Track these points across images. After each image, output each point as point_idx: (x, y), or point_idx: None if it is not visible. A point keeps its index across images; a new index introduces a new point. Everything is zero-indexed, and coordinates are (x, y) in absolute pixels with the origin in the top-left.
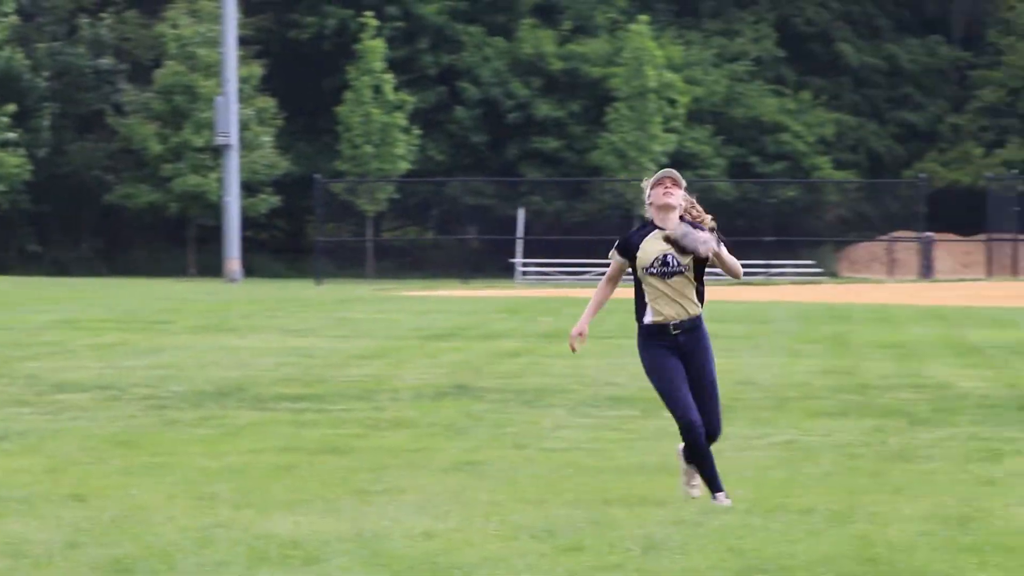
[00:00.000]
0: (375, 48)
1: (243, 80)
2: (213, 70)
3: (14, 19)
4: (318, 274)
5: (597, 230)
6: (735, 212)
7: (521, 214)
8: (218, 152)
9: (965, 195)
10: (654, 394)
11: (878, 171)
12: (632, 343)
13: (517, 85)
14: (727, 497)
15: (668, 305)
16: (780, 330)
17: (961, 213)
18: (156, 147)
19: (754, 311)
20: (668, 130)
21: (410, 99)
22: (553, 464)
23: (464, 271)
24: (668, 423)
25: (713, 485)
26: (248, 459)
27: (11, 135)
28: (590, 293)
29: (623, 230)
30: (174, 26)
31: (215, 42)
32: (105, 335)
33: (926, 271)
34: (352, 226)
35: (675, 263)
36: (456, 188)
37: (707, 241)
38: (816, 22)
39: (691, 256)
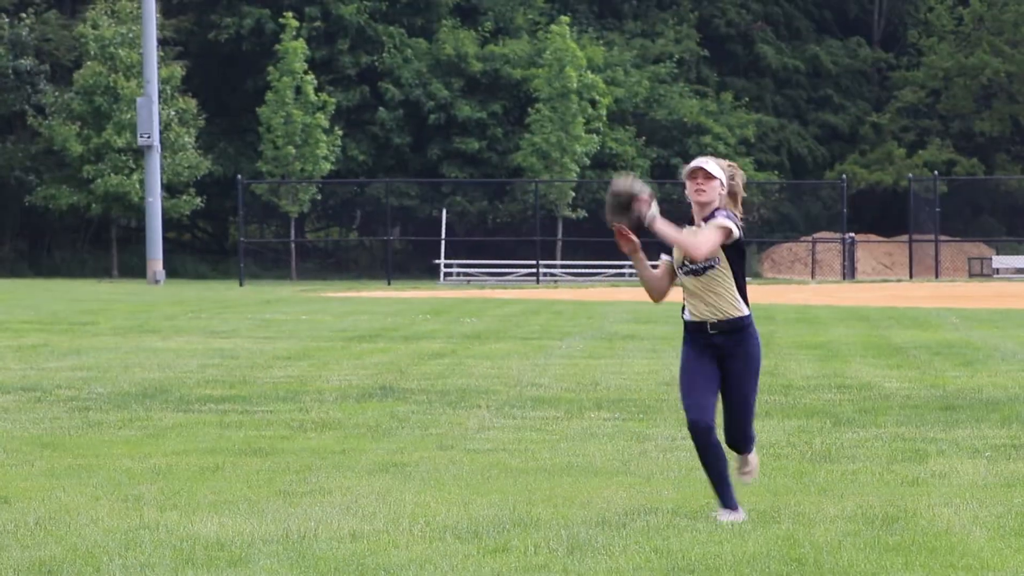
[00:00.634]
0: (296, 49)
1: (164, 81)
2: (134, 71)
3: None
4: (241, 275)
5: (520, 231)
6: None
7: (444, 215)
8: (140, 153)
9: (887, 196)
10: (577, 395)
11: (800, 172)
12: (554, 343)
13: (438, 86)
14: (730, 514)
15: (702, 304)
16: None
17: (883, 214)
18: (77, 148)
19: (679, 311)
20: (590, 131)
21: (332, 100)
22: (478, 465)
23: (388, 272)
24: (593, 424)
25: (723, 499)
26: (173, 461)
27: None
28: (514, 294)
29: (541, 230)
30: (94, 27)
31: (135, 43)
32: (28, 336)
33: (848, 272)
34: (275, 227)
35: (706, 259)
36: (379, 189)
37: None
38: (737, 23)
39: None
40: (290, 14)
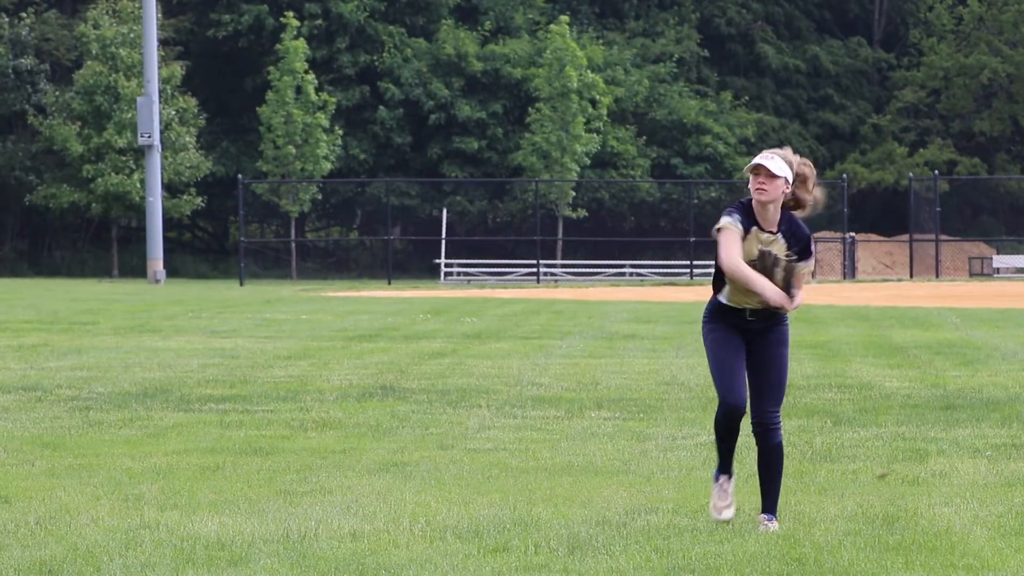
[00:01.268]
0: (296, 48)
1: (165, 81)
2: (135, 71)
3: None
4: (242, 275)
5: (520, 231)
6: (659, 213)
7: (444, 215)
8: (140, 153)
9: (887, 196)
10: (577, 394)
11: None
12: (554, 343)
13: (438, 85)
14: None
15: (750, 297)
16: None
17: (883, 214)
18: (78, 148)
19: (680, 311)
20: (590, 130)
21: (332, 99)
22: (478, 464)
23: (388, 272)
24: (593, 423)
25: (726, 464)
26: (174, 460)
27: None
28: (514, 294)
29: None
30: (96, 26)
31: (136, 43)
32: (28, 336)
33: (849, 271)
34: (276, 227)
35: (772, 259)
36: (379, 188)
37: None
38: (738, 23)
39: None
40: (291, 13)
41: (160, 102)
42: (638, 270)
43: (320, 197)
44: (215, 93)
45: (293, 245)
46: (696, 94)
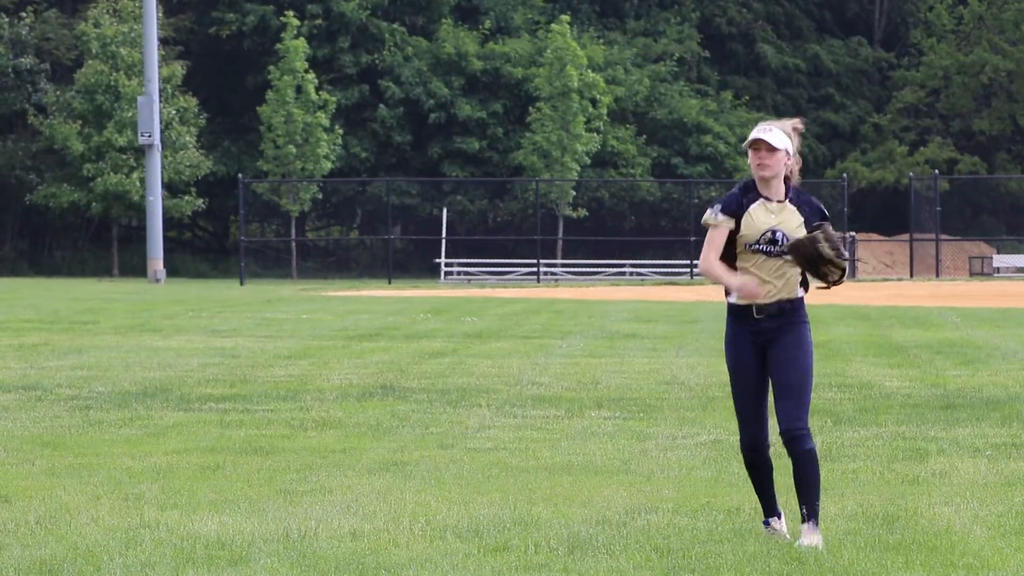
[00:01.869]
0: (297, 48)
1: (165, 80)
2: (135, 70)
3: None
4: (242, 274)
5: (521, 230)
6: (660, 212)
7: (444, 214)
8: (141, 152)
9: (888, 195)
10: (577, 394)
11: (801, 171)
12: (554, 342)
13: (439, 85)
14: (781, 523)
15: (761, 285)
16: (706, 329)
17: (884, 213)
18: (78, 147)
19: (681, 311)
20: (591, 130)
21: (332, 99)
22: (478, 464)
23: (389, 271)
24: (593, 423)
25: (768, 508)
26: (174, 460)
27: None
28: (514, 293)
29: (542, 229)
30: (96, 25)
31: (137, 42)
32: (28, 336)
33: (849, 271)
34: (276, 226)
35: (784, 240)
36: (380, 188)
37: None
38: (738, 23)
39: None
40: (291, 13)
41: (160, 101)
42: (638, 269)
43: (320, 196)
44: (215, 92)
45: (293, 244)
46: (696, 94)
